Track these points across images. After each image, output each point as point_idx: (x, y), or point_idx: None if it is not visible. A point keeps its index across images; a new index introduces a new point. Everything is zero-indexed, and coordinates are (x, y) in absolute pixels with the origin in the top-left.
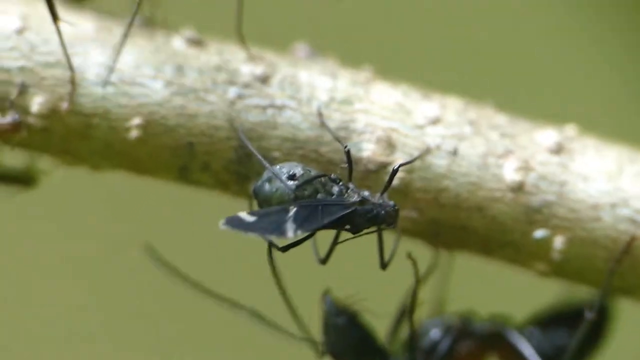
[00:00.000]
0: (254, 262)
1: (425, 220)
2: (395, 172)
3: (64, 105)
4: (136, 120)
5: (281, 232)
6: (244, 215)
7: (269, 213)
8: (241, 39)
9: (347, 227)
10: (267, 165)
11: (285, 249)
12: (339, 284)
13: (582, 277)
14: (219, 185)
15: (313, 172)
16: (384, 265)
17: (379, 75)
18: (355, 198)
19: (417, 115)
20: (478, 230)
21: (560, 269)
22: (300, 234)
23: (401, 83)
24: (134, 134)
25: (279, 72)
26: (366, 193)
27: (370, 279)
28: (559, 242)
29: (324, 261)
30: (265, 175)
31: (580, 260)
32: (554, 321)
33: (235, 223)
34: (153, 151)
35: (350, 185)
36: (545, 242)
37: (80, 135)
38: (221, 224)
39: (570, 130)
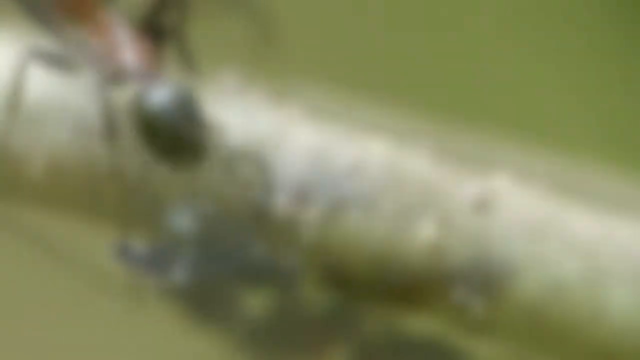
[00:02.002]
0: None
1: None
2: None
3: None
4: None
5: (166, 275)
6: (135, 244)
7: (161, 250)
8: None
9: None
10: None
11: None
12: None
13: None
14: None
15: (220, 215)
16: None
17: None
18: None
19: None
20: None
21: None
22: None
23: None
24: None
25: None
26: (268, 250)
27: None
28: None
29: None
30: (172, 208)
31: None
32: None
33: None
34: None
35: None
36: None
37: None
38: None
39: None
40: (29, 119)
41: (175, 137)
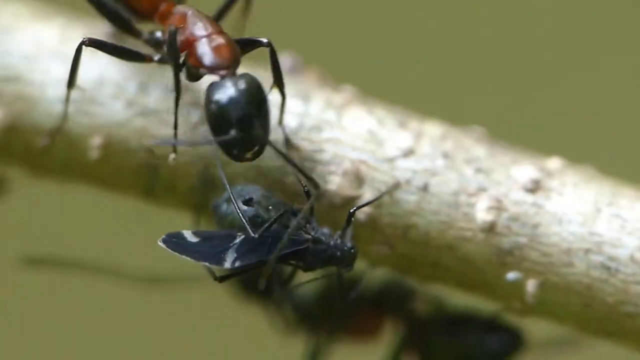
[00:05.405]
0: None
1: (396, 255)
2: (351, 214)
3: (43, 141)
4: (96, 140)
5: (218, 261)
6: (188, 234)
7: (214, 237)
8: None
9: (300, 264)
10: (226, 183)
11: (223, 279)
12: None
13: (558, 320)
14: (187, 206)
15: (274, 200)
16: (342, 304)
17: (366, 94)
18: (308, 236)
19: (389, 146)
20: (450, 268)
21: (536, 311)
22: (239, 266)
23: (384, 104)
24: (94, 153)
25: None
26: (325, 231)
27: None
28: (531, 285)
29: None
30: (225, 194)
31: (554, 305)
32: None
33: (174, 242)
34: (115, 171)
35: (312, 220)
36: (519, 285)
37: (40, 152)
38: (160, 241)
39: (553, 163)
40: (86, 100)
41: (245, 127)
